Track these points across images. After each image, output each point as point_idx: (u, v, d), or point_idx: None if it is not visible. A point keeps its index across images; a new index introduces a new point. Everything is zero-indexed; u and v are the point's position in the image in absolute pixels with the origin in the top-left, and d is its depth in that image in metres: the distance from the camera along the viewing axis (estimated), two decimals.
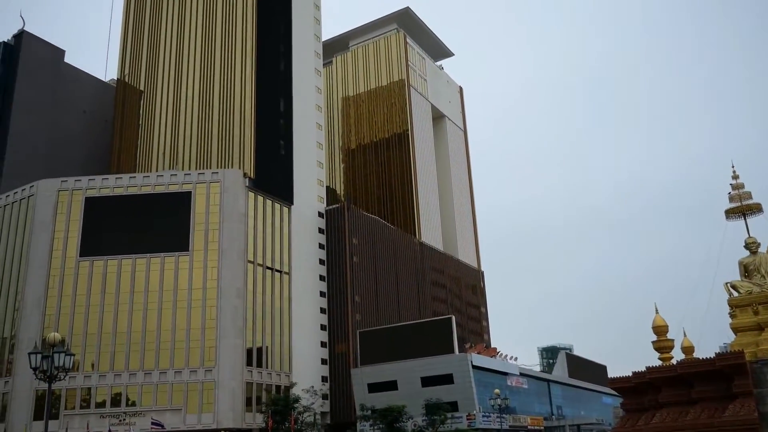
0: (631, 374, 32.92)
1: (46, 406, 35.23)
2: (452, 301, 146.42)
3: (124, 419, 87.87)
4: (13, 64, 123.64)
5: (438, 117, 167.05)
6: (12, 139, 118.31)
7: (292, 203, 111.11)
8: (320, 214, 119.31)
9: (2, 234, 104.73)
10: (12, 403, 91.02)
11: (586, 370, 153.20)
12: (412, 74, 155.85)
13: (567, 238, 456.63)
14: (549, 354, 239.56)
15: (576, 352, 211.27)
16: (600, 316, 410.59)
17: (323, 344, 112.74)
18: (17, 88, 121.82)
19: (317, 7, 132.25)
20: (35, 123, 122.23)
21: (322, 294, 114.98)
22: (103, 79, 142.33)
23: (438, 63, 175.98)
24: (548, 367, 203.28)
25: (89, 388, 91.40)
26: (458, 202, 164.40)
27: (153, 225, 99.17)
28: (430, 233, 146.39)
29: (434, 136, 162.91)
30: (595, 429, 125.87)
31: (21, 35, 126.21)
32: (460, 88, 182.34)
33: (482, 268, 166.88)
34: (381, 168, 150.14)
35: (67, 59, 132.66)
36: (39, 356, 28.40)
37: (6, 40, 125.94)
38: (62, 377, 28.96)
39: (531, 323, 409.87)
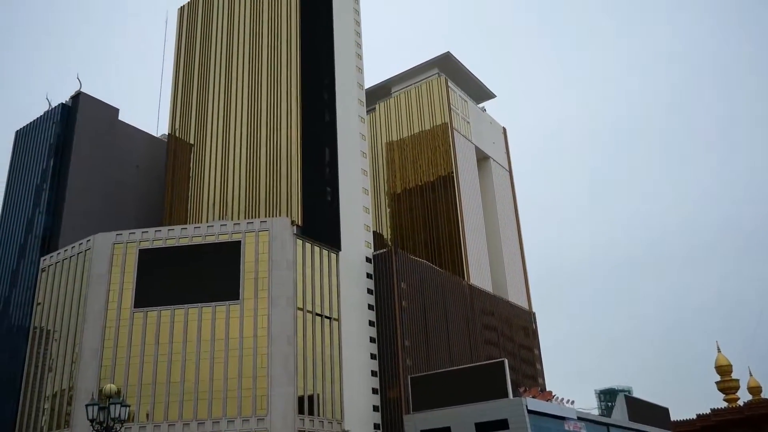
0: (695, 417, 31.65)
1: None
2: (504, 343, 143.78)
3: None
4: (71, 124, 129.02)
5: (482, 158, 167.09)
6: (70, 196, 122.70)
7: (339, 249, 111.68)
8: (368, 260, 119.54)
9: (61, 287, 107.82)
10: None
11: (648, 413, 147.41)
12: (455, 117, 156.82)
13: (623, 277, 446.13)
14: (607, 397, 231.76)
15: (635, 394, 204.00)
16: (659, 356, 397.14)
17: (374, 391, 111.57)
18: (74, 146, 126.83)
19: (359, 57, 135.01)
20: (91, 179, 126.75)
21: (371, 340, 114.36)
22: (155, 135, 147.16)
23: (480, 105, 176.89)
24: (607, 410, 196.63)
25: None
26: (506, 243, 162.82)
27: (204, 275, 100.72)
28: (478, 275, 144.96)
29: (479, 177, 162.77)
30: None
31: (78, 96, 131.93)
32: (504, 129, 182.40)
33: (533, 309, 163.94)
34: (427, 211, 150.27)
35: (121, 117, 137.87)
36: (96, 408, 28.86)
37: (64, 102, 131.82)
38: (119, 428, 29.30)
39: (586, 365, 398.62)
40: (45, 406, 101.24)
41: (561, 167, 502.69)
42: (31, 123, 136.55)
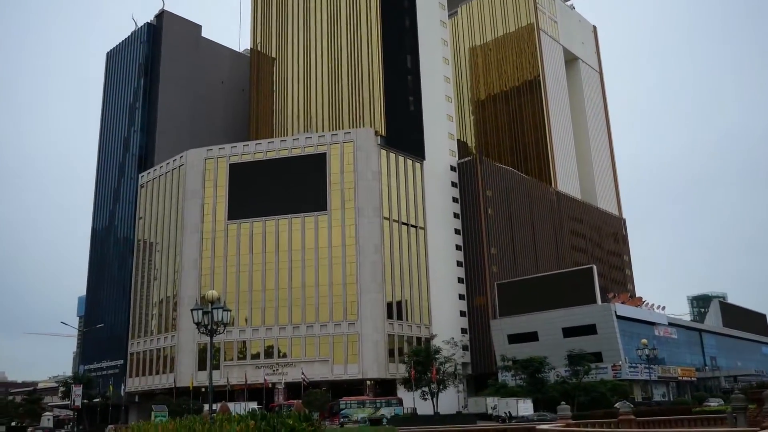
0: None
1: (208, 358, 38.25)
2: (593, 250, 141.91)
3: (277, 369, 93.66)
4: (157, 42, 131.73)
5: (571, 60, 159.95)
6: (161, 113, 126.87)
7: (424, 159, 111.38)
8: (452, 168, 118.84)
9: (160, 202, 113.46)
10: (179, 355, 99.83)
11: (743, 319, 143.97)
12: (541, 17, 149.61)
13: (717, 184, 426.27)
14: (700, 303, 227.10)
15: (730, 300, 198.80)
16: (756, 262, 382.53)
17: (461, 297, 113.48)
18: (162, 64, 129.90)
19: None
20: (179, 97, 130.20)
21: (458, 247, 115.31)
22: (238, 50, 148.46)
23: (568, 2, 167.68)
24: (699, 316, 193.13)
25: (244, 342, 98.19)
26: (596, 148, 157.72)
27: (292, 186, 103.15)
28: (566, 182, 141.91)
29: (567, 80, 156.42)
30: (754, 380, 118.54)
31: (162, 15, 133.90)
32: (594, 28, 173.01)
33: (624, 216, 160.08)
34: (512, 117, 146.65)
35: (204, 33, 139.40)
36: (200, 312, 30.75)
37: (149, 21, 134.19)
38: (221, 331, 31.20)
39: (679, 272, 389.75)
40: (153, 312, 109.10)
41: (658, 68, 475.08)
42: (120, 44, 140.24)
